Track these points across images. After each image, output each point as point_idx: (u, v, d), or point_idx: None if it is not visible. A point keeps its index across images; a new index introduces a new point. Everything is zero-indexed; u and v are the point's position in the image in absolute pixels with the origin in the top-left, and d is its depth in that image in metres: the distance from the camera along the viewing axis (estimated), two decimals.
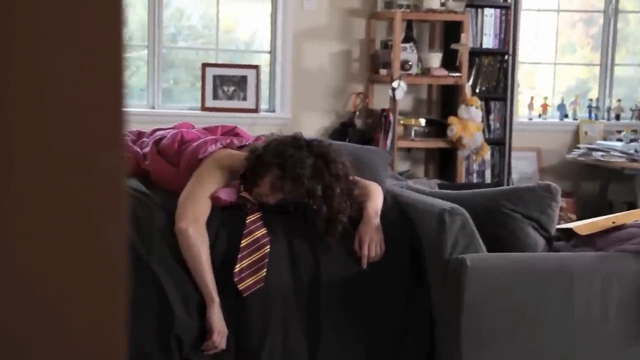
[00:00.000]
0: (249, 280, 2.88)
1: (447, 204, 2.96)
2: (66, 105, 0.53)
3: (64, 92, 0.53)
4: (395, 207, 3.15)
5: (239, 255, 2.88)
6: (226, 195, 2.95)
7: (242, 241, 2.89)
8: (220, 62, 5.78)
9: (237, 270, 2.87)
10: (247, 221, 2.92)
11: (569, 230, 3.19)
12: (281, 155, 2.91)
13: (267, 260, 2.90)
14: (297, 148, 2.93)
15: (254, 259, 2.89)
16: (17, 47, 0.52)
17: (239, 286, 2.86)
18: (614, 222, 3.13)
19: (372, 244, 2.99)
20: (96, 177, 0.53)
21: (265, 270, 2.89)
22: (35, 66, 0.52)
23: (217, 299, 2.84)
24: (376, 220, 3.03)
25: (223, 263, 2.90)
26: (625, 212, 3.43)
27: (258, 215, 2.96)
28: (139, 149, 3.19)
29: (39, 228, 0.53)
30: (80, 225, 0.54)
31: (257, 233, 2.92)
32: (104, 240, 0.54)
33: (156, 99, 5.65)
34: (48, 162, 0.53)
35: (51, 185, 0.53)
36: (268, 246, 2.91)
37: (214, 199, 2.92)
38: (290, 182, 2.89)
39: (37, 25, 0.52)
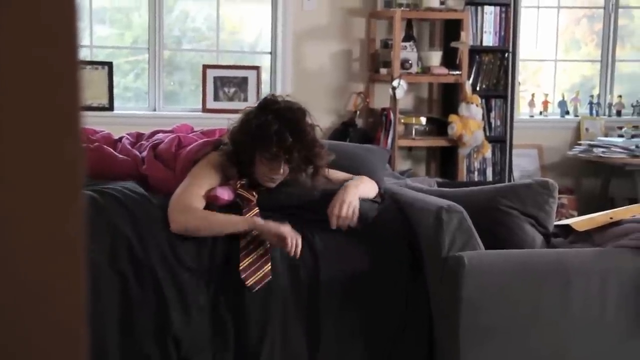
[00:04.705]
0: (257, 274, 2.90)
1: (445, 202, 2.98)
2: (23, 97, 0.55)
3: (18, 85, 0.55)
4: (393, 205, 3.17)
5: (242, 254, 2.90)
6: (224, 194, 2.98)
7: (241, 241, 2.92)
8: (223, 63, 5.79)
9: (242, 267, 2.89)
10: None
11: (567, 226, 3.20)
12: (247, 132, 2.97)
13: (270, 254, 2.92)
14: (255, 117, 2.98)
15: (257, 254, 2.91)
16: None
17: (247, 282, 2.88)
18: (611, 218, 3.14)
19: (344, 204, 3.00)
20: (55, 167, 0.55)
21: (270, 263, 2.91)
22: None
23: (254, 221, 2.89)
24: (355, 192, 3.05)
25: (224, 262, 2.92)
26: (623, 207, 3.43)
27: (255, 213, 2.98)
28: (137, 152, 3.21)
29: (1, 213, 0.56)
30: (41, 211, 0.56)
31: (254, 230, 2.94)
32: (64, 227, 0.56)
33: (158, 101, 5.68)
34: (7, 154, 0.55)
35: (12, 174, 0.55)
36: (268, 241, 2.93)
37: (212, 197, 2.95)
38: (273, 144, 2.92)
39: None
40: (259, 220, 2.91)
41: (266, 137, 2.91)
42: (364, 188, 3.13)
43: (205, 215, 2.92)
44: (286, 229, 2.89)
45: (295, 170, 2.99)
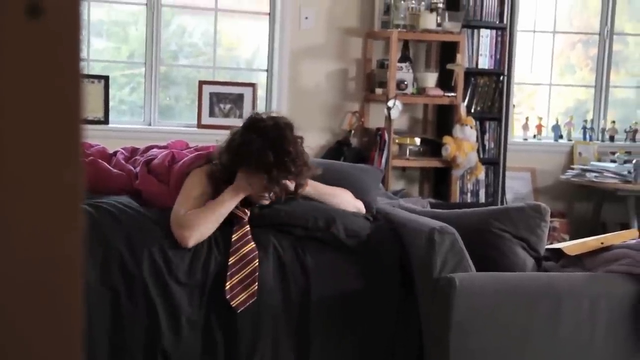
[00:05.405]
0: (241, 295, 2.90)
1: (437, 223, 2.99)
2: (27, 125, 0.56)
3: (24, 113, 0.56)
4: (386, 225, 3.18)
5: (229, 273, 2.91)
6: None
7: (230, 259, 2.92)
8: (219, 79, 5.81)
9: (228, 287, 2.89)
10: (233, 239, 2.96)
11: (558, 250, 3.22)
12: (232, 150, 3.00)
13: (257, 274, 2.92)
14: (240, 136, 2.99)
15: (244, 274, 2.92)
16: None
17: (232, 303, 2.88)
18: (602, 243, 3.16)
19: (302, 190, 3.05)
20: (57, 191, 0.56)
21: (256, 284, 2.91)
22: None
23: (236, 189, 2.97)
24: (315, 187, 3.12)
25: (216, 280, 2.92)
26: (615, 233, 3.45)
27: (245, 231, 2.99)
28: (132, 167, 3.22)
29: (3, 237, 0.56)
30: (41, 233, 0.57)
31: (244, 249, 2.94)
32: (63, 247, 0.57)
33: (153, 115, 5.68)
34: (12, 179, 0.56)
35: (15, 199, 0.56)
36: (257, 260, 2.94)
37: None
38: (253, 161, 2.93)
39: None
40: (236, 187, 2.97)
41: (247, 156, 2.93)
42: (326, 190, 3.17)
43: (197, 213, 2.92)
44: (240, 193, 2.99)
45: (275, 185, 3.01)
